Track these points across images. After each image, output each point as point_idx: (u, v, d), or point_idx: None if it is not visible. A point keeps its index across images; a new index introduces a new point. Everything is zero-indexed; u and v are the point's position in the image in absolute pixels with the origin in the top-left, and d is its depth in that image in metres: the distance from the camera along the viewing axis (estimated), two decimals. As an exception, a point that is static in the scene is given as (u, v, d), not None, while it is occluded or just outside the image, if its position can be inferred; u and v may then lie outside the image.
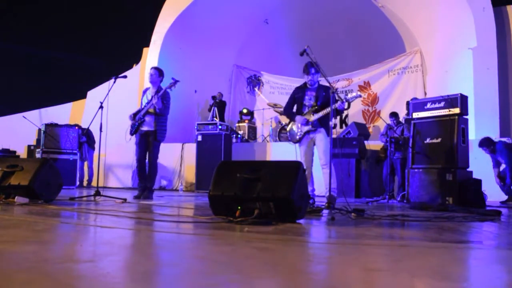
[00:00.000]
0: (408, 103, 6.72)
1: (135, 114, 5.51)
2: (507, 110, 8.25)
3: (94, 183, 8.33)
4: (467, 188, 4.76)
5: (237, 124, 9.98)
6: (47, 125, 8.14)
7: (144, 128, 5.45)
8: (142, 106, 5.52)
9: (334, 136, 4.92)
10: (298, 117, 4.65)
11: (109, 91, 5.33)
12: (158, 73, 5.55)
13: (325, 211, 3.80)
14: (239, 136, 9.33)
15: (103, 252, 1.90)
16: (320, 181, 4.69)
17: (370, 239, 2.43)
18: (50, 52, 17.33)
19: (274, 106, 10.21)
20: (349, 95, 4.47)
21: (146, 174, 5.50)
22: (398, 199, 6.31)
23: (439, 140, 5.01)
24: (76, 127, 8.53)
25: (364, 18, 10.49)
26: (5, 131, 10.78)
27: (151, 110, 5.41)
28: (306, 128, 4.59)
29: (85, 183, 8.91)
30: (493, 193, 6.32)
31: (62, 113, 11.30)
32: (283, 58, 11.60)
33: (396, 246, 2.28)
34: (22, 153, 10.31)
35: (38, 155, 8.07)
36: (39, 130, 8.58)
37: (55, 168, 4.57)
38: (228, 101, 11.32)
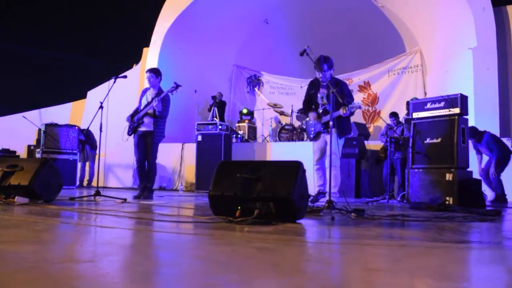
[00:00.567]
0: (408, 103, 6.72)
1: (132, 116, 5.51)
2: (507, 110, 8.24)
3: (94, 183, 8.33)
4: (467, 188, 4.75)
5: (237, 124, 9.98)
6: (47, 125, 8.14)
7: (142, 128, 5.45)
8: (141, 107, 5.52)
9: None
10: (311, 114, 4.72)
11: (109, 91, 5.33)
12: (155, 75, 5.55)
13: (325, 211, 3.80)
14: (239, 136, 9.33)
15: (103, 252, 1.90)
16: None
17: (370, 239, 2.43)
18: (50, 52, 17.32)
19: (274, 106, 10.21)
20: (350, 106, 4.48)
21: (146, 174, 5.50)
22: (398, 199, 6.31)
23: (439, 140, 5.01)
24: (76, 128, 8.53)
25: (364, 18, 10.49)
26: (5, 131, 10.78)
27: (150, 112, 5.41)
28: (318, 127, 4.66)
29: (85, 183, 8.92)
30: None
31: (62, 113, 11.30)
32: (283, 58, 11.60)
33: (396, 246, 2.28)
34: (22, 153, 10.31)
35: (38, 155, 8.07)
36: (39, 130, 8.58)
37: (55, 168, 4.57)
38: (228, 101, 11.32)
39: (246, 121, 9.95)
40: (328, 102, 4.59)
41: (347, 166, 7.01)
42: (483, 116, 7.46)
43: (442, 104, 5.06)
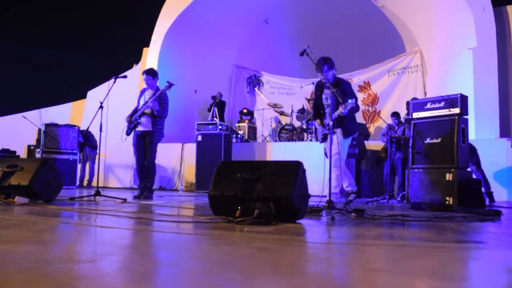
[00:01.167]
0: (408, 103, 6.71)
1: (131, 116, 5.51)
2: (507, 110, 8.24)
3: (94, 183, 8.33)
4: (467, 188, 4.75)
5: (237, 124, 9.98)
6: (47, 125, 8.14)
7: (141, 128, 5.45)
8: (139, 107, 5.52)
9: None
10: (316, 122, 4.78)
11: (109, 91, 5.33)
12: (151, 76, 5.56)
13: (325, 211, 3.80)
14: (239, 136, 9.33)
15: (103, 252, 1.90)
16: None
17: (370, 239, 2.43)
18: (50, 52, 17.33)
19: (274, 106, 10.21)
20: (345, 104, 4.45)
21: (146, 174, 5.50)
22: (398, 199, 6.31)
23: (439, 140, 5.01)
24: (76, 128, 8.54)
25: (364, 18, 10.49)
26: (5, 131, 10.78)
27: (148, 111, 5.41)
28: (324, 130, 4.69)
29: (85, 183, 8.92)
30: (493, 193, 6.32)
31: (62, 113, 11.29)
32: (283, 58, 11.60)
33: (396, 246, 2.28)
34: (22, 153, 10.30)
35: (38, 155, 8.07)
36: (39, 130, 8.58)
37: (55, 168, 4.57)
38: (228, 101, 11.32)
39: (246, 121, 9.95)
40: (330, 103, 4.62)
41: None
42: (483, 116, 7.47)
43: (442, 104, 5.06)
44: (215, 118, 9.36)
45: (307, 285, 1.37)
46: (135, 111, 5.55)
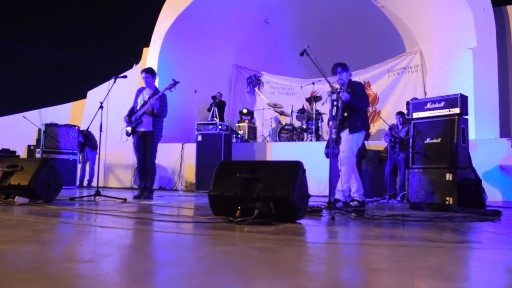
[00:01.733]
0: (408, 103, 6.71)
1: (129, 116, 5.50)
2: (507, 110, 8.24)
3: (94, 183, 8.33)
4: (467, 188, 4.75)
5: (237, 124, 9.97)
6: (47, 125, 8.14)
7: (141, 129, 5.45)
8: (138, 106, 5.52)
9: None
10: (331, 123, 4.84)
11: (109, 91, 5.33)
12: (150, 75, 5.57)
13: (325, 211, 3.81)
14: (239, 136, 9.33)
15: (103, 252, 1.90)
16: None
17: (370, 239, 2.43)
18: (50, 52, 17.34)
19: (274, 106, 10.21)
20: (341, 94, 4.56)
21: (146, 174, 5.50)
22: (398, 199, 6.30)
23: (439, 140, 5.01)
24: (76, 128, 8.54)
25: (364, 18, 10.49)
26: (5, 131, 10.78)
27: (149, 110, 5.41)
28: (335, 131, 4.70)
29: (85, 183, 8.92)
30: (493, 193, 6.33)
31: (62, 113, 11.30)
32: (283, 58, 11.59)
33: (396, 246, 2.28)
34: (22, 153, 10.31)
35: (38, 155, 8.07)
36: (39, 130, 8.58)
37: (55, 168, 4.57)
38: (228, 101, 11.32)
39: (246, 121, 9.95)
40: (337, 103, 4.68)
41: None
42: (483, 116, 7.47)
43: (442, 104, 5.06)
44: (215, 118, 9.36)
45: (307, 285, 1.37)
46: (132, 110, 5.54)
